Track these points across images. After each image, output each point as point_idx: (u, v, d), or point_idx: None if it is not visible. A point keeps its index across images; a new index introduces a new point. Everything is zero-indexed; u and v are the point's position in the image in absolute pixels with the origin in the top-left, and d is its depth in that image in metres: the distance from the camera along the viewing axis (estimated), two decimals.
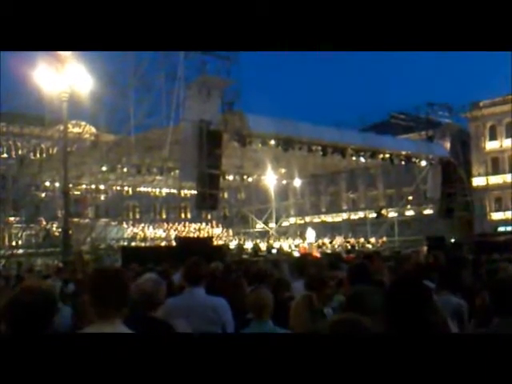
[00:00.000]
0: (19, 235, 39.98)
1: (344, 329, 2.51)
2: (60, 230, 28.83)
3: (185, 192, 38.72)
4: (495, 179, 62.23)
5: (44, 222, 37.48)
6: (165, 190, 43.06)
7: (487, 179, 62.28)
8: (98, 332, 3.20)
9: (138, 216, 53.57)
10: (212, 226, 42.81)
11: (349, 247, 37.58)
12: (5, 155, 58.07)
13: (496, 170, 62.77)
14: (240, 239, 42.27)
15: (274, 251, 35.08)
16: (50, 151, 43.32)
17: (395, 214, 51.78)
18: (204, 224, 42.56)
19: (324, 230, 52.29)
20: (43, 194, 39.96)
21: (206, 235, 37.34)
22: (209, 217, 43.91)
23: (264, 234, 46.36)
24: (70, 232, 24.44)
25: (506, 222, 57.79)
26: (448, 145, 39.57)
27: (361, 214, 64.02)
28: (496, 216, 61.76)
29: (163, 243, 35.62)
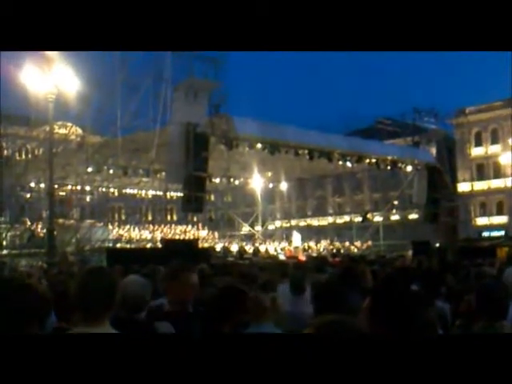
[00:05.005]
0: (3, 236, 39.62)
1: (333, 330, 2.49)
2: (45, 230, 28.59)
3: (171, 194, 38.67)
4: (480, 185, 62.58)
5: (29, 223, 37.18)
6: (151, 192, 42.93)
7: (472, 185, 62.60)
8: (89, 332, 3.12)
9: (123, 218, 53.30)
10: (198, 229, 42.84)
11: (334, 251, 37.66)
12: None
13: (481, 176, 63.12)
14: (226, 242, 42.24)
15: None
16: (36, 152, 42.99)
17: (381, 219, 51.94)
18: (190, 226, 42.55)
19: (310, 233, 52.39)
20: (28, 195, 39.71)
21: (191, 237, 37.30)
22: (195, 219, 43.93)
23: (250, 237, 46.34)
24: (55, 233, 24.29)
25: (490, 228, 58.24)
26: (434, 150, 39.88)
27: (346, 218, 64.27)
28: (480, 221, 62.15)
29: (149, 245, 35.46)
